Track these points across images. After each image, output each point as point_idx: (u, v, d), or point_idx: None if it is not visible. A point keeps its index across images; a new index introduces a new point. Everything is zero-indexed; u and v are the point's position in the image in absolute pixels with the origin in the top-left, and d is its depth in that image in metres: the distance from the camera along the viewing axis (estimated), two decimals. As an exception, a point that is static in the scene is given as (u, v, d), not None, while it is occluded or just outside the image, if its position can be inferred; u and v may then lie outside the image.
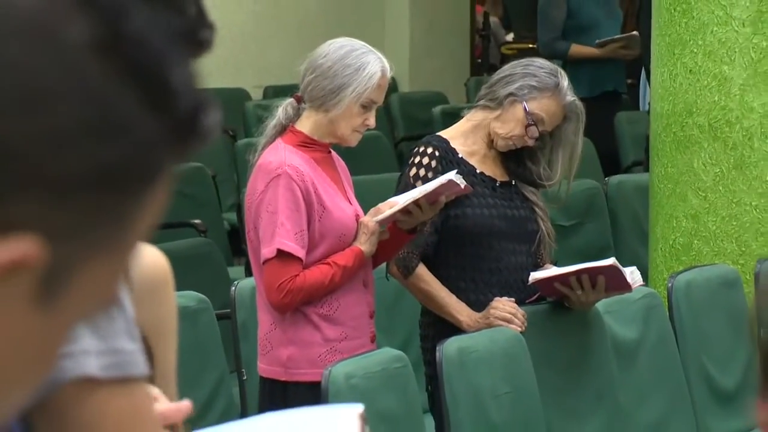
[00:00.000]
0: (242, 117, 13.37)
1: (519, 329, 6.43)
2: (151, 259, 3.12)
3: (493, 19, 17.60)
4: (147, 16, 1.19)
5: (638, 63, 13.00)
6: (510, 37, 17.07)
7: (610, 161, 11.73)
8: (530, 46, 13.22)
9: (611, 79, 12.11)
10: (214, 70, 14.22)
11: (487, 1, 17.95)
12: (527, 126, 6.65)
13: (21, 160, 1.10)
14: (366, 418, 2.80)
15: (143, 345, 3.01)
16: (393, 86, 15.12)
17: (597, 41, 11.84)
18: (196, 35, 2.77)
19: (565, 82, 6.77)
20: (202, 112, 1.22)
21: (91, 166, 1.14)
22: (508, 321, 6.44)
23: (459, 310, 6.53)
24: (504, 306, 6.47)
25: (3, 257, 1.10)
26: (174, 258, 8.68)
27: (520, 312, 6.50)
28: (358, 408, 2.82)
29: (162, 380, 2.94)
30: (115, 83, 1.15)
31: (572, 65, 11.77)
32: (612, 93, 12.14)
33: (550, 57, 11.51)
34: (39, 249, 1.11)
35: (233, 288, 7.21)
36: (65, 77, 1.12)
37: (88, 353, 2.44)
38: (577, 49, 11.94)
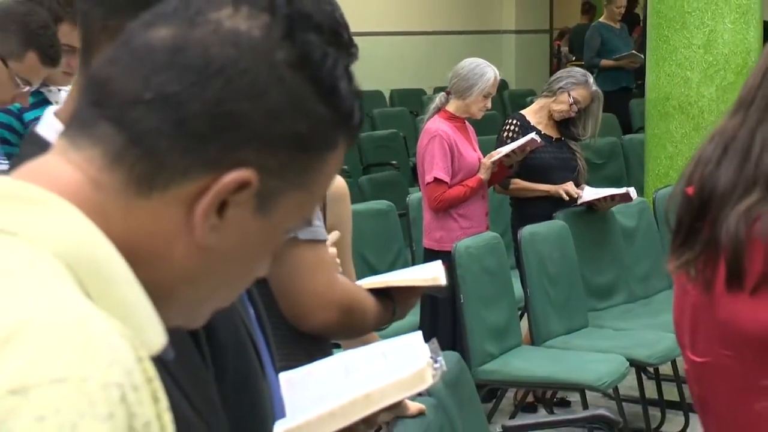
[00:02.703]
0: (420, 104, 13.23)
1: (576, 195, 6.58)
2: (337, 182, 3.17)
3: (564, 49, 17.29)
4: (323, 46, 1.16)
5: (641, 70, 12.89)
6: (573, 58, 16.79)
7: (625, 127, 11.62)
8: (583, 63, 13.03)
9: (625, 79, 11.97)
10: (407, 77, 14.22)
11: (562, 40, 17.79)
12: (571, 105, 6.62)
13: (248, 126, 1.09)
14: (446, 265, 2.80)
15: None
16: (505, 85, 15.03)
17: (614, 56, 11.73)
18: (350, 51, 2.72)
19: (591, 79, 6.73)
20: (357, 109, 1.19)
21: (288, 133, 1.11)
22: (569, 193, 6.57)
23: (545, 188, 6.57)
24: (568, 187, 6.58)
25: (237, 176, 1.08)
26: (380, 182, 8.72)
27: (573, 190, 6.58)
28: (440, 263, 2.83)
29: (342, 251, 2.96)
30: (302, 86, 1.12)
31: (603, 72, 11.68)
32: (626, 88, 12.02)
33: (590, 68, 11.47)
34: (254, 176, 1.09)
35: (408, 198, 7.25)
36: (275, 80, 1.10)
37: None
38: (605, 62, 11.81)
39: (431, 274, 2.71)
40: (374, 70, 14.16)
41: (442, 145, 6.16)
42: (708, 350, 2.21)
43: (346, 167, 10.27)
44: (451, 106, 6.30)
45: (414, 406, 3.40)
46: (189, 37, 1.10)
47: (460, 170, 6.22)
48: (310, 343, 2.56)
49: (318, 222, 2.52)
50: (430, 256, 6.21)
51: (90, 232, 1.06)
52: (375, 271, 6.27)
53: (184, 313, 1.19)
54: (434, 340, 2.17)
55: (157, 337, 1.09)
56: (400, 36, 14.67)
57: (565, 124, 6.76)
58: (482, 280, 5.73)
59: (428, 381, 1.97)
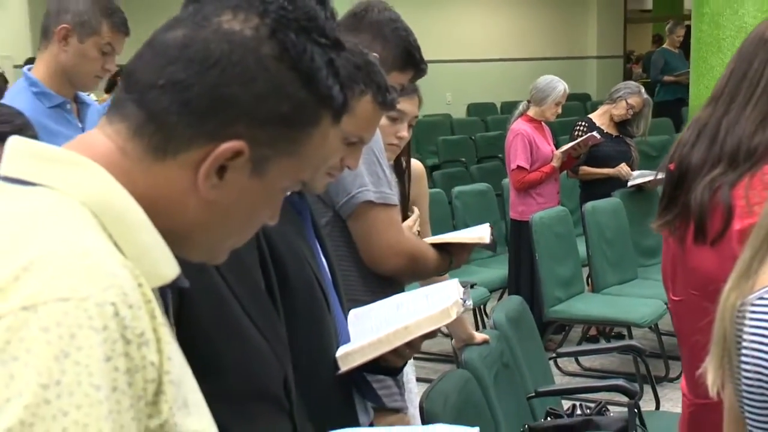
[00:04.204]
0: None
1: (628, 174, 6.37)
2: (416, 166, 3.08)
3: (637, 70, 16.97)
4: (303, 43, 1.10)
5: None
6: (645, 76, 16.36)
7: (678, 128, 11.27)
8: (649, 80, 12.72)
9: (681, 92, 11.47)
10: (513, 92, 13.86)
11: (636, 64, 17.42)
12: (627, 109, 6.42)
13: (239, 106, 1.06)
14: (492, 227, 2.70)
15: (410, 204, 2.96)
16: (588, 98, 14.73)
17: (673, 74, 11.36)
18: (420, 67, 2.61)
19: (642, 89, 6.51)
20: (338, 93, 1.13)
21: (274, 112, 1.07)
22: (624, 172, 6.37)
23: (605, 171, 6.35)
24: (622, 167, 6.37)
25: (231, 146, 1.05)
26: (486, 170, 8.52)
27: (626, 170, 6.39)
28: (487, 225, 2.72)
29: (421, 218, 2.87)
30: (284, 75, 1.07)
31: (665, 86, 11.37)
32: (681, 98, 11.57)
33: (655, 82, 11.16)
34: (245, 147, 1.06)
35: (503, 182, 7.11)
36: (260, 69, 1.06)
37: (370, 191, 2.39)
38: (666, 78, 11.44)
39: (478, 234, 2.62)
40: (489, 87, 14.03)
41: (523, 141, 6.01)
42: (682, 291, 2.13)
43: (463, 159, 10.17)
44: (531, 112, 6.15)
45: (480, 336, 3.31)
46: (195, 36, 1.08)
47: (537, 160, 6.05)
48: (386, 284, 2.50)
49: (390, 190, 2.44)
50: (514, 225, 6.14)
51: (113, 188, 1.05)
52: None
53: (203, 252, 1.16)
54: (468, 286, 2.08)
55: (169, 270, 1.07)
56: (508, 61, 14.49)
57: (622, 125, 6.53)
58: (553, 243, 5.59)
59: (452, 317, 1.90)
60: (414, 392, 2.99)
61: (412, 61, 2.58)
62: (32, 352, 0.88)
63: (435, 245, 2.59)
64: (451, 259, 2.60)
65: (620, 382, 3.36)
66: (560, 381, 5.50)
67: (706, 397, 1.63)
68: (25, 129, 2.64)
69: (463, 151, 10.67)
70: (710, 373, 1.54)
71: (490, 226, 2.68)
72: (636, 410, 3.22)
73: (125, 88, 1.10)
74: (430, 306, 1.95)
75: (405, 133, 2.85)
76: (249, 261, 1.54)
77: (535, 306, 5.49)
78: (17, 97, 3.05)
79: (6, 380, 0.87)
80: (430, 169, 9.45)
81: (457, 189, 6.97)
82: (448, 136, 11.49)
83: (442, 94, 13.68)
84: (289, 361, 1.59)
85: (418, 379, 3.93)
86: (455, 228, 6.72)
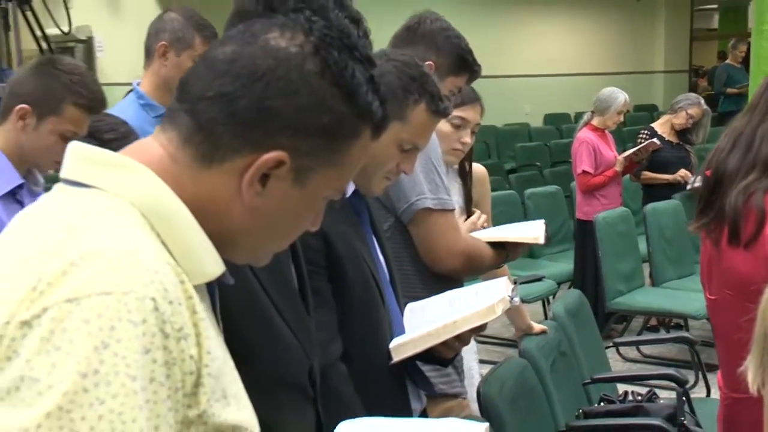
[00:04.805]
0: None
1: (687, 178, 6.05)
2: (479, 169, 2.99)
3: (702, 84, 16.45)
4: (345, 60, 1.05)
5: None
6: (710, 89, 15.89)
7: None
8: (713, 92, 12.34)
9: (742, 103, 11.12)
10: (585, 103, 13.72)
11: (702, 78, 16.91)
12: (687, 119, 6.18)
13: (282, 118, 1.01)
14: (546, 224, 2.58)
15: (473, 205, 2.86)
16: (655, 108, 14.34)
17: (736, 86, 10.99)
18: (473, 69, 2.52)
19: (702, 101, 6.26)
20: (377, 108, 1.07)
21: (315, 124, 1.02)
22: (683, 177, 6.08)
23: (665, 177, 6.10)
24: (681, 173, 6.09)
25: (273, 156, 1.01)
26: (557, 174, 8.34)
27: (684, 173, 6.09)
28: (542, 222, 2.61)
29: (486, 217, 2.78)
30: (325, 89, 1.03)
31: (728, 97, 11.00)
32: (742, 110, 11.24)
33: (718, 95, 10.80)
34: (287, 157, 1.01)
35: (571, 184, 6.92)
36: (303, 84, 1.02)
37: (428, 198, 2.31)
38: (730, 90, 11.06)
39: (534, 234, 2.52)
40: (563, 99, 13.76)
41: (588, 148, 5.84)
42: (717, 290, 2.01)
43: (538, 163, 9.99)
44: (595, 121, 5.98)
45: (538, 327, 3.21)
46: (243, 52, 1.04)
47: (601, 164, 5.87)
48: (444, 282, 2.41)
49: (446, 196, 2.37)
50: (580, 224, 5.98)
51: (162, 190, 1.02)
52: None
53: (247, 255, 1.12)
54: (517, 283, 1.99)
55: (214, 268, 1.03)
56: (582, 76, 14.17)
57: (683, 133, 6.28)
58: (615, 240, 5.43)
59: (497, 313, 1.82)
60: (476, 377, 2.91)
61: (465, 64, 2.51)
62: (74, 342, 0.86)
63: (492, 243, 2.50)
64: (507, 254, 2.51)
65: (671, 371, 3.22)
66: (621, 367, 5.34)
67: (742, 392, 1.53)
68: (129, 136, 2.64)
69: (539, 156, 10.52)
70: (751, 370, 1.44)
71: (544, 223, 2.57)
72: (684, 398, 3.08)
73: (178, 98, 1.07)
74: (478, 302, 1.88)
75: (468, 139, 2.77)
76: (282, 258, 1.49)
77: (599, 298, 5.34)
78: (126, 109, 3.08)
79: (48, 368, 0.85)
80: (507, 173, 9.29)
81: (529, 191, 6.84)
82: (526, 143, 11.34)
83: (521, 105, 13.48)
84: (315, 353, 1.54)
85: (489, 362, 3.83)
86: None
